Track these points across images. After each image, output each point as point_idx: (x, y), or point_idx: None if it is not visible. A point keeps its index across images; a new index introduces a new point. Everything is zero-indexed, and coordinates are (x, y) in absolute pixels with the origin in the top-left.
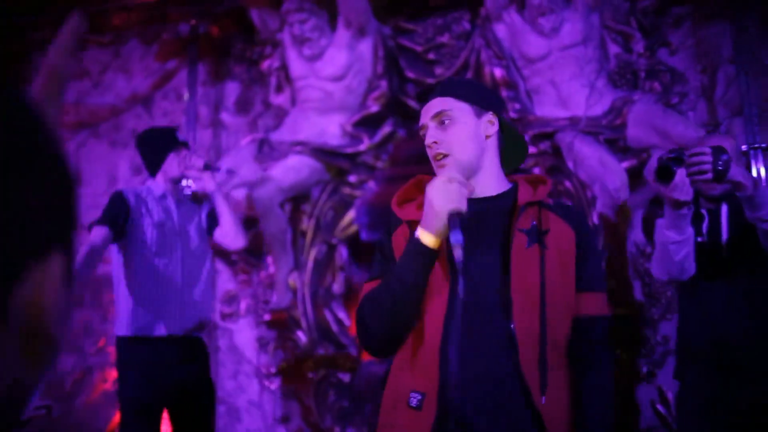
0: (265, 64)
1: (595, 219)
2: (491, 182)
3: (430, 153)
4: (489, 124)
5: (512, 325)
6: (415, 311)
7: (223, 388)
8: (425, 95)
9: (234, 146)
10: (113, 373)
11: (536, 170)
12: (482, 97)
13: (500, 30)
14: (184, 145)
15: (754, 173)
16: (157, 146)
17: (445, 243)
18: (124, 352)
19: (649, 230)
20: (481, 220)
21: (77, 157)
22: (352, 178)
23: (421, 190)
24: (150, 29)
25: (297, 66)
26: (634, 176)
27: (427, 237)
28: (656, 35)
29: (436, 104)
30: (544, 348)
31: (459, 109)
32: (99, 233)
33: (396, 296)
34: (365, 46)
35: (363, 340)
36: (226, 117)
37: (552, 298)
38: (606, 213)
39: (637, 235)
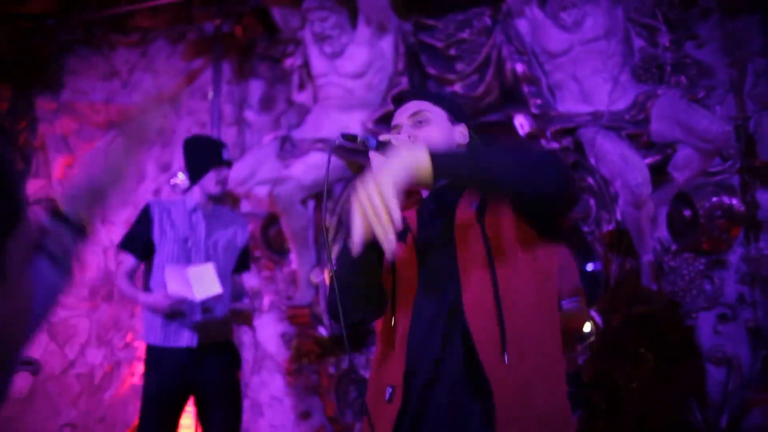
0: (287, 62)
1: (618, 215)
2: None
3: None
4: (461, 134)
5: (462, 308)
6: (372, 274)
7: (245, 383)
8: (400, 98)
9: (257, 143)
10: (141, 367)
11: None
12: (457, 108)
13: (522, 25)
14: (227, 164)
15: None
16: (200, 159)
17: (414, 245)
18: (146, 356)
19: (673, 227)
20: (439, 205)
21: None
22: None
23: None
24: (176, 29)
25: (318, 63)
26: (658, 172)
27: None
28: (683, 28)
29: (413, 105)
30: (501, 317)
31: (435, 113)
32: (127, 262)
33: (350, 256)
34: (386, 43)
35: (329, 312)
36: (249, 115)
37: (503, 262)
38: (628, 210)
39: (661, 232)
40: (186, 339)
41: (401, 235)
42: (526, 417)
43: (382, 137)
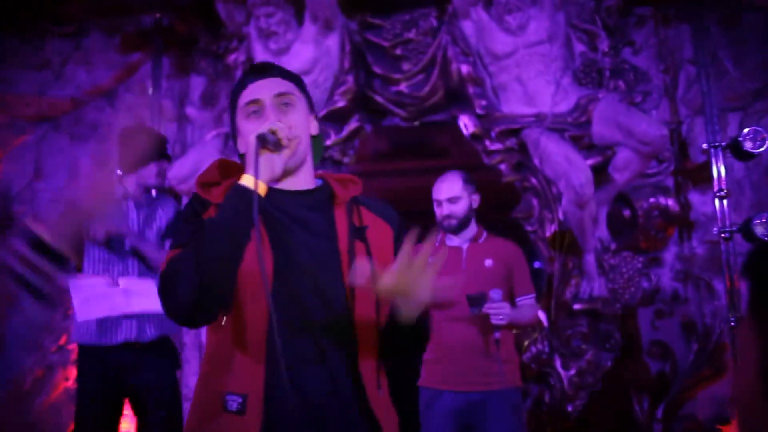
0: (230, 58)
1: (560, 215)
2: (308, 177)
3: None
4: (315, 126)
5: (354, 319)
6: (234, 265)
7: (187, 385)
8: (260, 69)
9: (199, 140)
10: (74, 371)
11: (503, 167)
12: (310, 97)
13: (467, 27)
14: (168, 159)
15: (714, 172)
16: (142, 149)
17: (268, 238)
18: (78, 358)
19: (613, 226)
20: (303, 211)
21: (38, 150)
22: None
23: (223, 173)
24: (112, 21)
25: (263, 60)
26: (599, 173)
27: (247, 178)
28: (620, 34)
29: (279, 83)
30: (379, 341)
31: (299, 98)
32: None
33: (216, 242)
34: (332, 41)
35: (169, 304)
36: (191, 111)
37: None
38: (571, 209)
39: (601, 231)
40: (123, 333)
41: None
42: None
43: (262, 130)
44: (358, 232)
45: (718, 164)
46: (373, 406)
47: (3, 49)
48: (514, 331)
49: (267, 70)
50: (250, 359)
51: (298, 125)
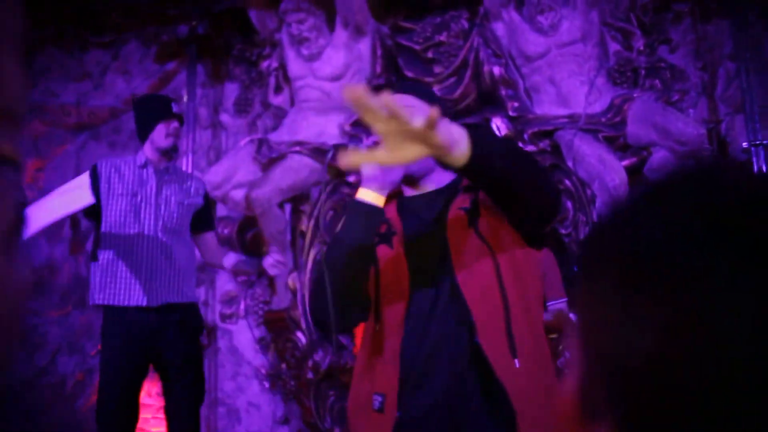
0: (263, 65)
1: (595, 218)
2: (441, 176)
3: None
4: None
5: (469, 308)
6: (363, 276)
7: (222, 389)
8: (382, 90)
9: (233, 147)
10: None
11: None
12: (442, 107)
13: (499, 28)
14: (177, 117)
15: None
16: (148, 113)
17: (402, 246)
18: (103, 319)
19: None
20: (434, 212)
21: (78, 158)
22: (352, 179)
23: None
24: (149, 30)
25: (295, 66)
26: (635, 174)
27: (364, 193)
28: (656, 32)
29: (402, 100)
30: (509, 318)
31: (422, 109)
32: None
33: (342, 258)
34: (363, 46)
35: (312, 313)
36: (225, 118)
37: (505, 259)
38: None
39: None
40: (135, 297)
41: (386, 238)
42: (549, 423)
43: (371, 142)
44: (473, 213)
45: (760, 163)
46: (503, 380)
47: (46, 61)
48: (549, 336)
49: (390, 89)
50: (388, 361)
51: None
